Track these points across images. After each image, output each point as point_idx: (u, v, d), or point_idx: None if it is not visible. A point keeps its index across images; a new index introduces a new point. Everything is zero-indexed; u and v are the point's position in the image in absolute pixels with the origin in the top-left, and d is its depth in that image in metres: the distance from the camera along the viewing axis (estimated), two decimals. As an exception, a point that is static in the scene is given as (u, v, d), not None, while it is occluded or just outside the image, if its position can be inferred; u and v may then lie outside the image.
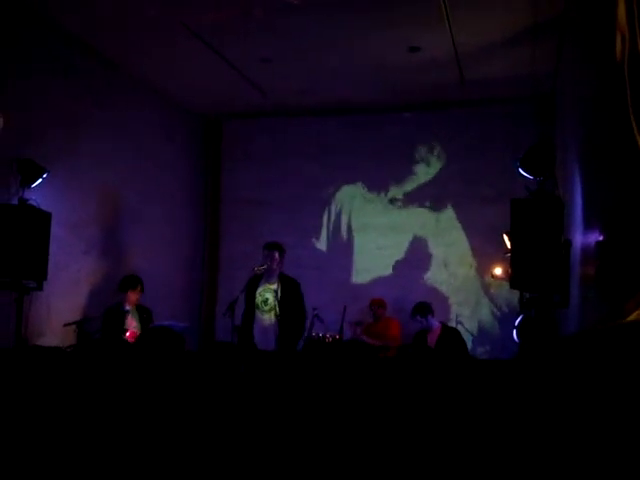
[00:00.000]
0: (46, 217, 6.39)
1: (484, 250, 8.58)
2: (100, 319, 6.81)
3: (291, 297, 6.80)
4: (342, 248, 9.50)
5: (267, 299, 6.83)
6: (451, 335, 7.58)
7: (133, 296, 7.00)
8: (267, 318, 6.81)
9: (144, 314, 7.02)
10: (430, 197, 9.19)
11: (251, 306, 6.83)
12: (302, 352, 6.84)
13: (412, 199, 9.27)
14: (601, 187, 4.05)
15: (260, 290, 6.86)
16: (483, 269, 8.75)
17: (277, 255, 6.87)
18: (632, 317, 1.12)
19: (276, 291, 6.79)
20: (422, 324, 7.59)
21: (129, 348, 5.95)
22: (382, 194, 9.36)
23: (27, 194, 6.36)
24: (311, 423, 2.58)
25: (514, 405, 1.07)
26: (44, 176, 6.42)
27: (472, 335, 8.65)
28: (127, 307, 6.95)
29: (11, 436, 2.63)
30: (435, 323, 7.61)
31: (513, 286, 6.40)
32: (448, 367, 4.17)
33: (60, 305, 6.92)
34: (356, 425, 2.44)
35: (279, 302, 6.75)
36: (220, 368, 3.06)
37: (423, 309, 7.62)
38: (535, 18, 6.34)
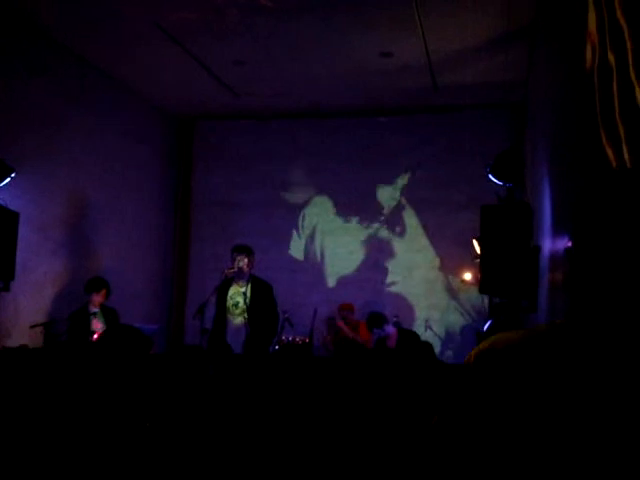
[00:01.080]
0: (14, 217, 6.30)
1: (454, 255, 8.63)
2: (66, 322, 6.72)
3: (262, 300, 6.79)
4: (313, 252, 9.50)
5: (237, 302, 6.81)
6: (409, 338, 7.68)
7: (98, 298, 6.92)
8: (238, 321, 6.80)
9: (109, 315, 6.94)
10: (402, 202, 9.23)
11: (222, 309, 6.80)
12: (272, 356, 6.81)
13: (384, 203, 9.30)
14: (570, 194, 4.10)
15: (231, 293, 6.84)
16: (453, 274, 8.82)
17: (246, 257, 6.84)
18: (540, 328, 1.16)
19: (245, 294, 6.77)
20: (380, 334, 7.77)
21: (92, 348, 5.84)
22: (354, 197, 9.37)
23: (-6, 194, 6.26)
24: (281, 426, 2.57)
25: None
26: (12, 175, 6.31)
27: (441, 339, 8.70)
28: (92, 309, 6.87)
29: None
30: (391, 329, 7.80)
31: (482, 291, 6.46)
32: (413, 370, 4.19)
33: (28, 306, 6.82)
34: (327, 427, 2.43)
35: (249, 305, 6.73)
36: (188, 371, 3.04)
37: (377, 320, 7.88)
38: (507, 26, 6.42)
